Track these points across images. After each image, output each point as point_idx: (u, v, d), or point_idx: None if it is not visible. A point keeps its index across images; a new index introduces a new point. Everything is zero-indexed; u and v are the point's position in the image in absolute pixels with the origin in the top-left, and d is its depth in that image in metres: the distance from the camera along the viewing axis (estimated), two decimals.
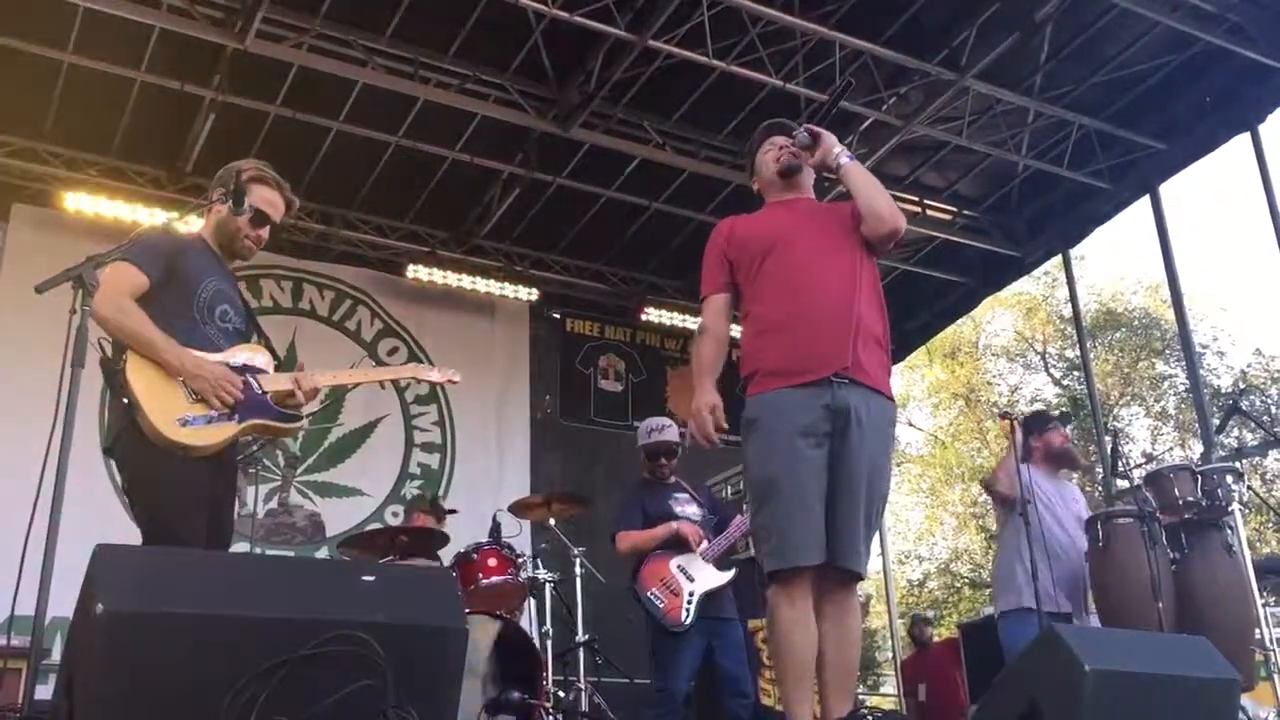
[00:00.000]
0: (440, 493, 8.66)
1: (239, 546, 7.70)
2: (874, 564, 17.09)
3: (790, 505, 3.11)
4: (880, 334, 3.33)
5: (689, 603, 5.16)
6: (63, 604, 2.49)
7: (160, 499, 3.21)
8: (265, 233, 3.62)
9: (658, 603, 5.20)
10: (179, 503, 3.16)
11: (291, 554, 7.92)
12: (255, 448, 5.99)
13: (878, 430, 3.22)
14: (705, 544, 5.28)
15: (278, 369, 3.53)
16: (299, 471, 8.51)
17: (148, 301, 3.29)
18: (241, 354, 3.44)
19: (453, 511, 6.80)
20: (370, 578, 2.47)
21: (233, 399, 3.25)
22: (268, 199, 3.61)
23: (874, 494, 3.20)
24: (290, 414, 3.47)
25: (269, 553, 7.70)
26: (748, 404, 3.29)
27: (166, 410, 3.16)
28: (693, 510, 5.45)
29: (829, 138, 3.44)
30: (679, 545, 5.30)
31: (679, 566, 5.26)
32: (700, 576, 5.23)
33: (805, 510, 3.10)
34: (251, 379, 3.40)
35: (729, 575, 5.26)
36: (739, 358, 3.43)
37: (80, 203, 7.89)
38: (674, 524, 5.30)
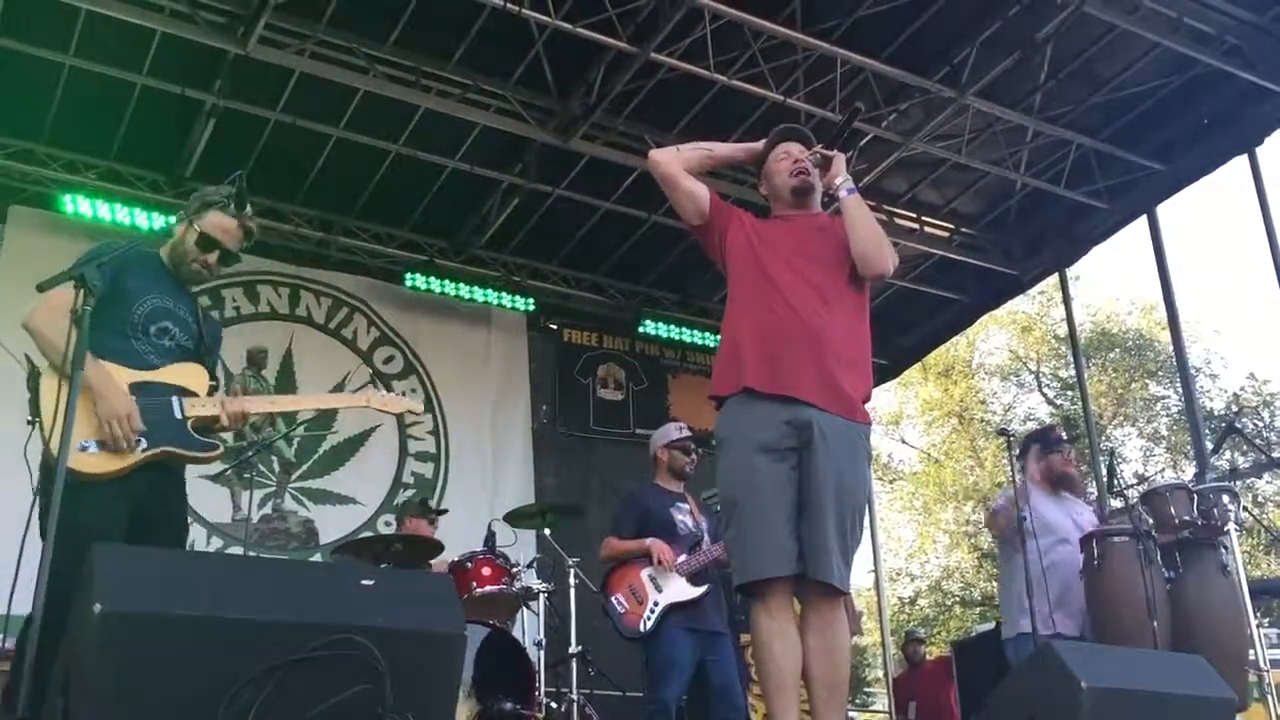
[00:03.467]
0: (434, 502, 8.63)
1: (233, 551, 7.70)
2: (866, 581, 17.10)
3: (752, 520, 3.15)
4: (855, 359, 3.35)
5: (651, 612, 5.18)
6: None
7: (58, 527, 3.17)
8: (213, 258, 3.59)
9: (618, 608, 5.25)
10: (73, 530, 2.93)
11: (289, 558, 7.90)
12: (250, 453, 5.99)
13: (845, 443, 3.23)
14: (682, 558, 5.27)
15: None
16: (294, 477, 8.48)
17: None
18: (172, 374, 3.41)
19: (443, 511, 6.79)
20: (369, 582, 2.46)
21: (120, 436, 3.17)
22: (221, 225, 3.58)
23: (844, 506, 3.19)
24: (206, 442, 3.41)
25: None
26: (716, 423, 3.35)
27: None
28: (689, 523, 5.44)
29: (839, 162, 3.49)
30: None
31: (650, 576, 5.27)
32: (669, 589, 5.23)
33: (767, 524, 3.12)
34: (175, 400, 3.37)
35: (700, 590, 5.24)
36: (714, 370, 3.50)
37: (78, 205, 7.88)
38: (648, 541, 5.30)
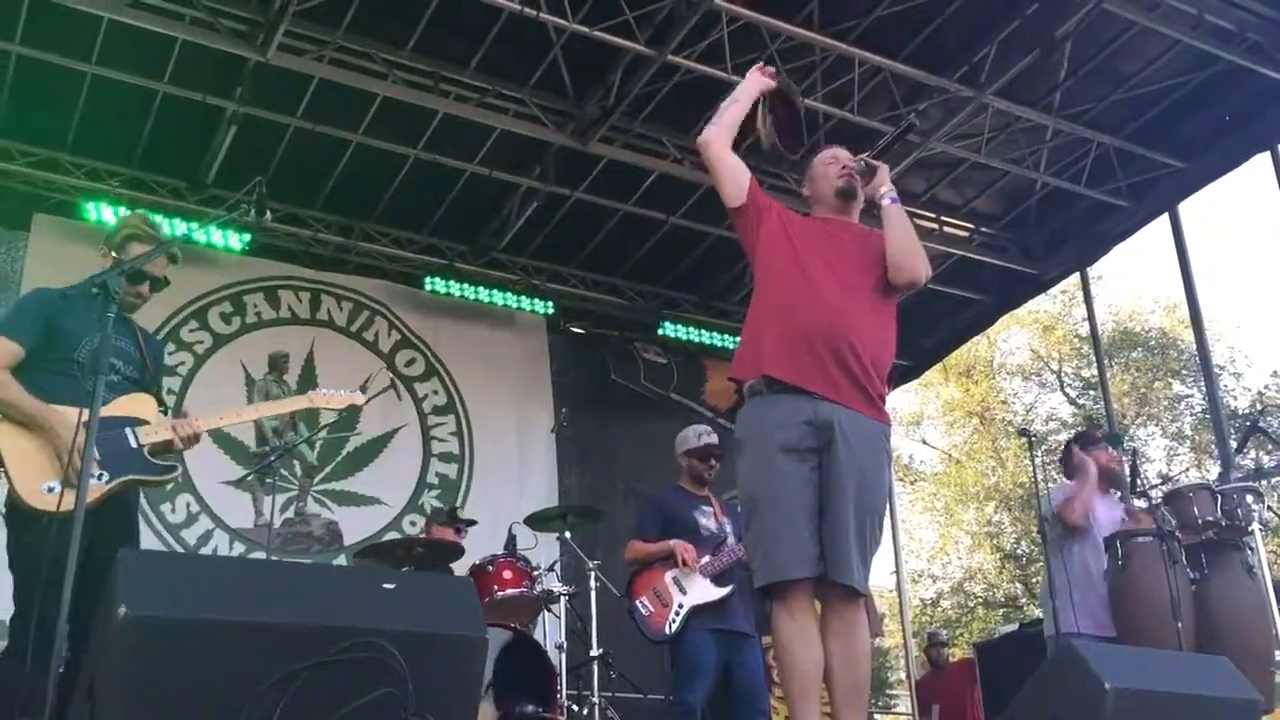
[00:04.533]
0: (458, 503, 8.66)
1: (255, 555, 7.74)
2: (888, 582, 17.05)
3: (773, 520, 3.15)
4: (879, 363, 3.35)
5: (675, 614, 5.16)
6: None
7: (22, 567, 3.35)
8: (145, 289, 3.75)
9: (643, 611, 5.23)
10: (38, 562, 3.19)
11: (309, 563, 7.93)
12: (273, 458, 6.03)
13: (866, 444, 3.23)
14: (706, 559, 5.26)
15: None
16: (316, 480, 8.52)
17: (28, 364, 3.47)
18: (122, 406, 3.55)
19: (472, 523, 6.80)
20: (391, 585, 2.47)
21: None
22: (154, 263, 3.72)
23: (864, 508, 3.19)
24: (164, 465, 3.59)
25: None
26: (737, 423, 3.37)
27: (33, 478, 3.32)
28: (712, 525, 5.43)
29: (884, 172, 3.54)
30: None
31: (674, 578, 5.25)
32: (693, 590, 5.21)
33: (788, 524, 3.12)
34: (129, 431, 3.51)
35: (724, 591, 5.20)
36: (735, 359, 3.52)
37: (101, 213, 7.94)
38: (672, 542, 5.29)
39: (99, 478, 3.38)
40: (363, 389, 8.65)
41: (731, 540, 5.32)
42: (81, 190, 8.06)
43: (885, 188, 3.50)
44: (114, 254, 3.67)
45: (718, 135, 3.58)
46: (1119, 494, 5.54)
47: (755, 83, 3.71)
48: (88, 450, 2.83)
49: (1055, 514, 5.37)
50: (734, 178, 3.55)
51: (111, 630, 2.17)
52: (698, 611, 5.16)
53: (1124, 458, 5.81)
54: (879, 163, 3.55)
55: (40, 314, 3.59)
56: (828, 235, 3.49)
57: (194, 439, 3.67)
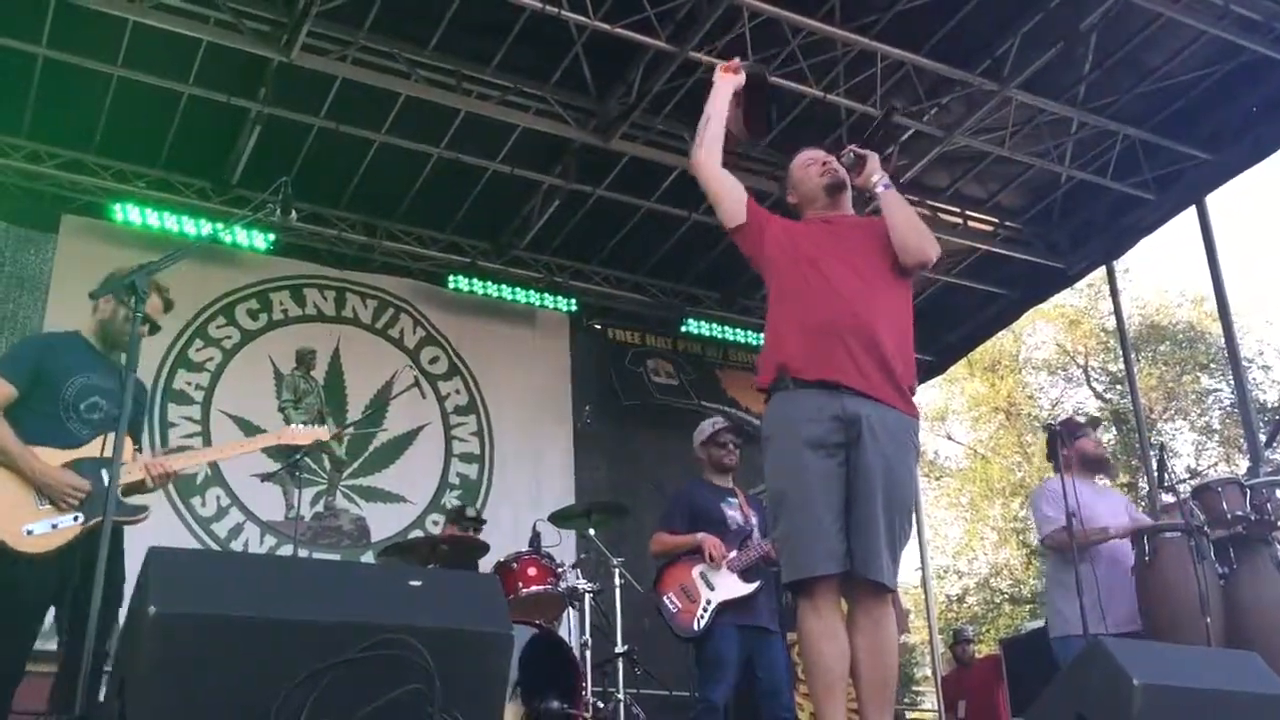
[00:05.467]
0: (479, 504, 8.70)
1: (285, 550, 7.80)
2: (913, 579, 16.98)
3: (800, 517, 3.14)
4: (903, 349, 3.34)
5: (704, 611, 5.15)
6: None
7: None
8: (145, 329, 3.82)
9: (671, 608, 5.22)
10: (11, 612, 3.49)
11: (338, 557, 7.98)
12: (299, 455, 6.07)
13: (894, 439, 3.21)
14: (733, 553, 5.25)
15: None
16: (345, 475, 8.58)
17: (18, 405, 3.64)
18: (98, 446, 3.69)
19: (481, 522, 6.81)
20: (418, 582, 2.49)
21: (76, 499, 3.56)
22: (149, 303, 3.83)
23: (893, 503, 3.17)
24: (135, 506, 3.74)
25: (315, 556, 7.77)
26: (764, 419, 3.34)
27: (13, 520, 3.46)
28: (738, 518, 5.42)
29: (873, 161, 3.53)
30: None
31: (701, 574, 5.24)
32: (721, 586, 5.20)
33: (815, 521, 3.11)
34: (104, 472, 3.61)
35: (752, 586, 5.20)
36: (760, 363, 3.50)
37: (128, 214, 8.02)
38: (699, 536, 5.27)
39: (74, 519, 3.54)
40: (389, 385, 8.81)
41: (757, 535, 5.31)
42: (108, 191, 8.14)
43: (877, 175, 3.50)
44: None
45: (706, 157, 3.56)
46: (1105, 480, 5.48)
47: (725, 87, 3.69)
48: (116, 450, 2.87)
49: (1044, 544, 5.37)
50: (731, 197, 3.54)
51: (142, 629, 2.19)
52: (725, 607, 5.16)
53: (1152, 453, 5.76)
54: (867, 151, 3.54)
55: (31, 358, 3.80)
56: (829, 231, 3.49)
57: (166, 478, 3.83)
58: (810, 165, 3.61)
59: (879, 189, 3.48)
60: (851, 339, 3.22)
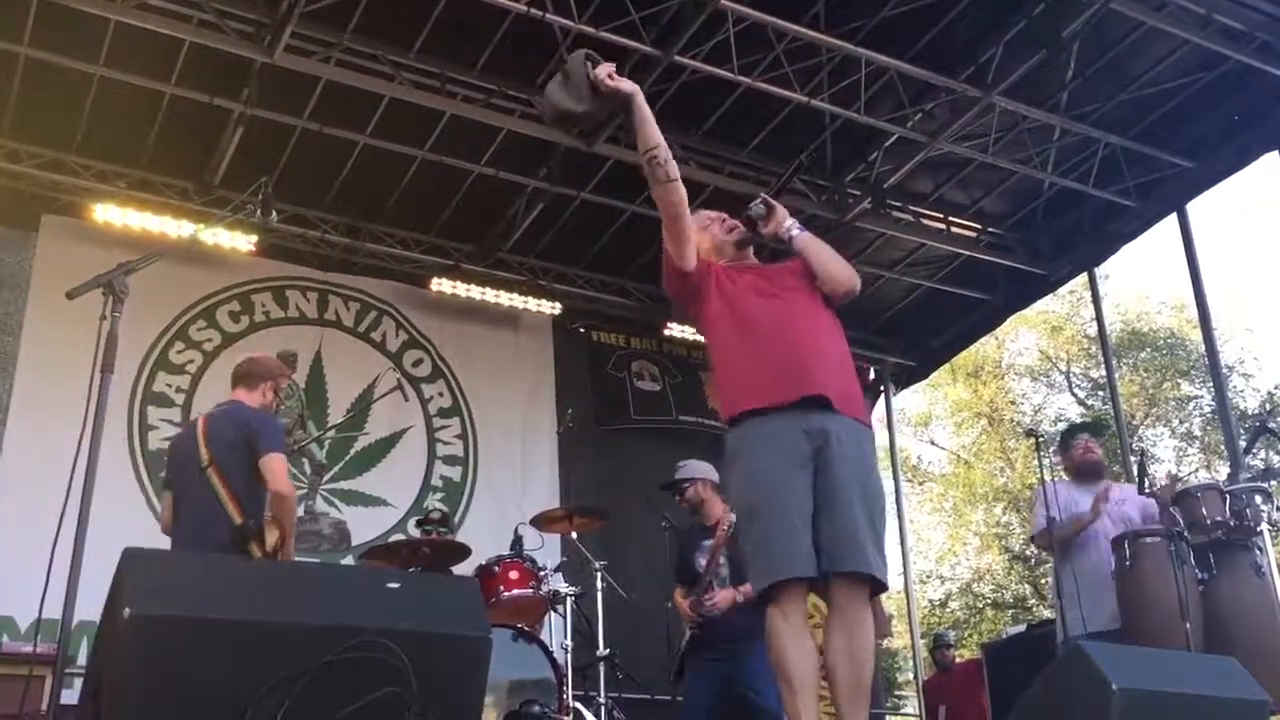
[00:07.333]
0: (462, 506, 8.68)
1: None
2: (896, 584, 17.00)
3: (770, 524, 3.15)
4: (850, 367, 3.44)
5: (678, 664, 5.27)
6: (90, 609, 2.51)
7: None
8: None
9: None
10: None
11: (317, 561, 7.94)
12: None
13: (857, 445, 3.29)
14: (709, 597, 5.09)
15: None
16: (325, 479, 8.54)
17: None
18: None
19: (445, 528, 6.73)
20: (396, 585, 2.47)
21: None
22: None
23: (869, 497, 3.22)
24: None
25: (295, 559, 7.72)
26: (728, 439, 3.36)
27: None
28: (703, 562, 5.23)
29: (781, 210, 3.60)
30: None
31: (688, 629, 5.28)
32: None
33: (786, 526, 3.13)
34: None
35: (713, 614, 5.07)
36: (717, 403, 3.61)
37: (109, 214, 7.97)
38: (680, 604, 5.28)
39: None
40: (371, 388, 8.76)
41: (717, 585, 5.12)
42: (89, 191, 8.09)
43: (789, 223, 3.57)
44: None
45: (680, 191, 3.49)
46: (1104, 485, 5.54)
47: (636, 94, 3.43)
48: (92, 452, 2.83)
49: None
50: (692, 240, 3.53)
51: (117, 630, 2.17)
52: (689, 652, 5.17)
53: (1133, 458, 5.83)
54: (775, 202, 3.60)
55: None
56: (757, 272, 3.58)
57: None
58: (709, 225, 3.69)
59: (794, 232, 3.55)
60: (811, 359, 3.30)
